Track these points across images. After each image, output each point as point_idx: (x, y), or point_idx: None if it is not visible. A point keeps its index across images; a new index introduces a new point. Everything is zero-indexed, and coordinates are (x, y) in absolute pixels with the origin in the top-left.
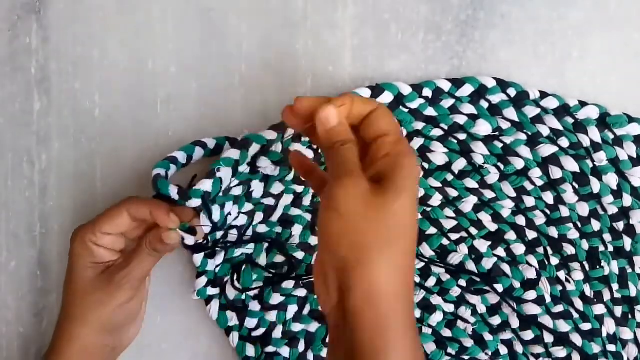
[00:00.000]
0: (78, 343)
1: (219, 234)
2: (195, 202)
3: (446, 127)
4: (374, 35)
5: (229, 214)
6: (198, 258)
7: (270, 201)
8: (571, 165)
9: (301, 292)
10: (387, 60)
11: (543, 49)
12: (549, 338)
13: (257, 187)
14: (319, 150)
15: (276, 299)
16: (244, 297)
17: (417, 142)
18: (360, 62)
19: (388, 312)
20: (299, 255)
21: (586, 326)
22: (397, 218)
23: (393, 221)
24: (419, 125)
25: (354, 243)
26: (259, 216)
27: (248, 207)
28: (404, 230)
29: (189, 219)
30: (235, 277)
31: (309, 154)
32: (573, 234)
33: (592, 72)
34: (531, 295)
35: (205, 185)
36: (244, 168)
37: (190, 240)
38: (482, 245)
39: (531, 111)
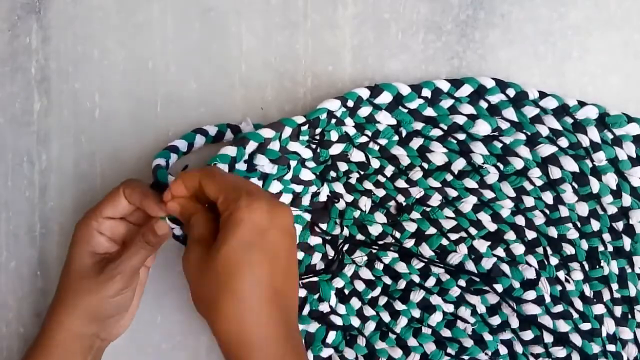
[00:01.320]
0: (65, 329)
1: None
2: None
3: (445, 127)
4: (374, 35)
5: None
6: None
7: None
8: (570, 165)
9: (301, 293)
10: (387, 60)
11: (543, 49)
12: (548, 338)
13: None
14: (317, 150)
15: None
16: None
17: (417, 142)
18: (360, 62)
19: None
20: (299, 255)
21: (586, 326)
22: (226, 262)
23: (222, 267)
24: (418, 126)
25: (201, 300)
26: None
27: None
28: (237, 269)
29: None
30: None
31: (307, 153)
32: (572, 234)
33: (592, 72)
34: (531, 295)
35: None
36: (241, 165)
37: (177, 230)
38: (482, 245)
39: (530, 111)
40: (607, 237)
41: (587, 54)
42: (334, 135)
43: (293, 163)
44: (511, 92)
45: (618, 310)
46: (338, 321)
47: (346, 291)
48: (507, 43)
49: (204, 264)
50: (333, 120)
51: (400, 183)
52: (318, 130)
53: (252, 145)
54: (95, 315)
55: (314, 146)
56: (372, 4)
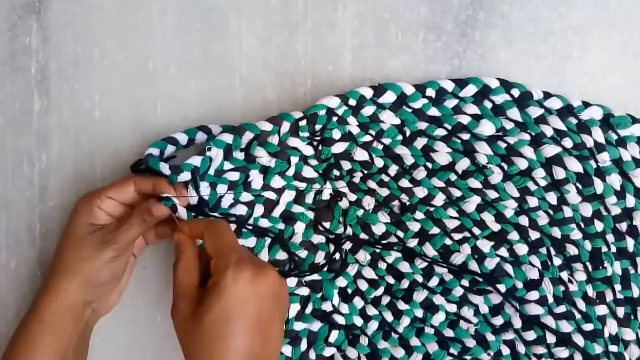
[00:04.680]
0: (61, 296)
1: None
2: (186, 176)
3: (450, 127)
4: (374, 35)
5: (222, 196)
6: None
7: (271, 195)
8: (575, 165)
9: (304, 291)
10: (387, 60)
11: (543, 49)
12: (551, 338)
13: (256, 178)
14: (319, 147)
15: None
16: None
17: (421, 142)
18: (360, 62)
19: None
20: (302, 253)
21: (588, 327)
22: (209, 330)
23: (206, 333)
24: (423, 125)
25: (189, 357)
26: (259, 208)
27: (247, 197)
28: (218, 338)
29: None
30: None
31: (309, 150)
32: (576, 235)
33: (592, 72)
34: (534, 295)
35: (195, 160)
36: (238, 154)
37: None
38: (485, 246)
39: (535, 111)
40: (610, 237)
41: (587, 54)
42: (336, 134)
43: (294, 159)
44: (516, 92)
45: (621, 311)
46: (341, 320)
47: (349, 290)
48: (507, 43)
49: (190, 323)
50: (334, 119)
51: (404, 182)
52: (318, 127)
53: (248, 135)
54: (91, 280)
55: (315, 143)
56: (372, 4)
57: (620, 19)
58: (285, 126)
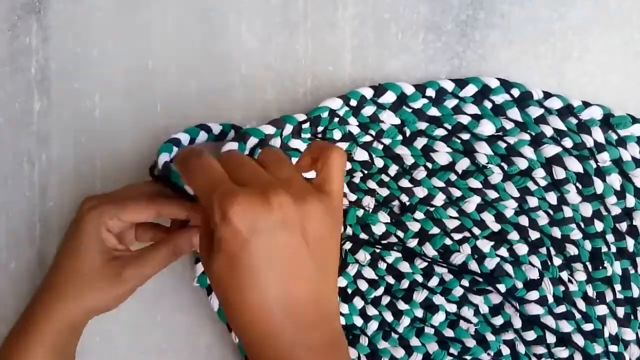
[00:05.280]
0: (62, 322)
1: None
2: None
3: (450, 127)
4: (374, 35)
5: None
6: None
7: None
8: (575, 165)
9: None
10: (387, 61)
11: (543, 49)
12: (551, 338)
13: None
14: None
15: None
16: None
17: (421, 142)
18: (360, 62)
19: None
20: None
21: (588, 327)
22: (215, 287)
23: (215, 288)
24: (422, 125)
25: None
26: None
27: None
28: (222, 297)
29: None
30: None
31: None
32: (576, 235)
33: (592, 72)
34: (534, 295)
35: None
36: None
37: None
38: (485, 245)
39: (535, 111)
40: (610, 237)
41: (587, 54)
42: (337, 134)
43: (295, 160)
44: (516, 92)
45: (621, 311)
46: (341, 320)
47: (349, 290)
48: (507, 43)
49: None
50: (336, 119)
51: (404, 182)
52: (320, 129)
53: (252, 141)
54: (99, 310)
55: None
56: (372, 4)
57: (620, 19)
58: (288, 129)
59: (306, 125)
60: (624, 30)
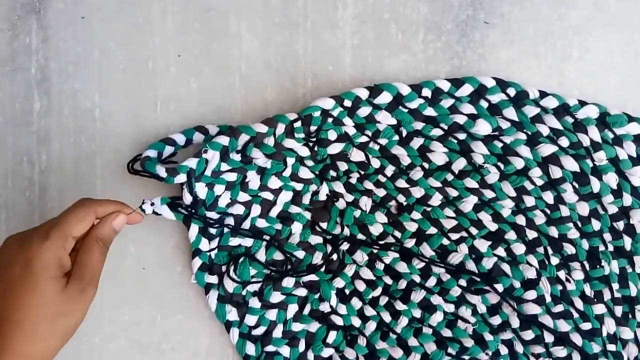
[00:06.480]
0: (38, 356)
1: (215, 215)
2: (182, 178)
3: (446, 127)
4: (374, 35)
5: (219, 196)
6: (193, 233)
7: (268, 195)
8: (571, 164)
9: (301, 292)
10: (387, 60)
11: (543, 49)
12: (549, 338)
13: (253, 178)
14: (315, 148)
15: (276, 297)
16: (244, 292)
17: (417, 142)
18: (360, 62)
19: None
20: (299, 254)
21: (586, 326)
22: None
23: None
24: (419, 125)
25: None
26: (256, 208)
27: (244, 197)
28: None
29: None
30: (233, 268)
31: (305, 151)
32: (573, 234)
33: (592, 72)
34: (531, 295)
35: (191, 162)
36: (235, 156)
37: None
38: (482, 245)
39: (531, 111)
40: (607, 236)
41: (587, 54)
42: (331, 135)
43: (291, 160)
44: (512, 92)
45: (619, 310)
46: (339, 321)
47: (347, 291)
48: (507, 43)
49: None
50: (330, 120)
51: (401, 183)
52: (313, 128)
53: (244, 138)
54: (72, 332)
55: (311, 144)
56: (372, 4)
57: (620, 19)
58: (281, 128)
59: (298, 125)
60: (624, 30)
